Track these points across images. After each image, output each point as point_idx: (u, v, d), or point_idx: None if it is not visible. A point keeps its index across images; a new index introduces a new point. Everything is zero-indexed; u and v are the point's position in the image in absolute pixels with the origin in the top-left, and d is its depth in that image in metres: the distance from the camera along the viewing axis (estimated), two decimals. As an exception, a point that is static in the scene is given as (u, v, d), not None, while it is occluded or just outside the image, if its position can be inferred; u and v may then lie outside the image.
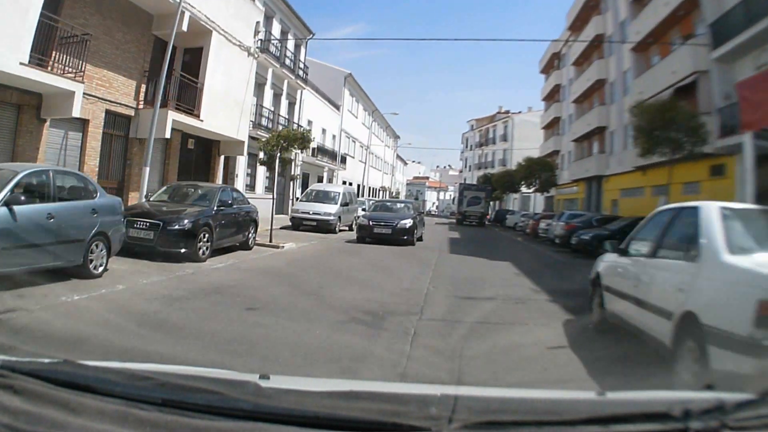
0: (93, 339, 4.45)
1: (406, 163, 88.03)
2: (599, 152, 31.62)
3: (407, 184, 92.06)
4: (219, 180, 20.44)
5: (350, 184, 39.19)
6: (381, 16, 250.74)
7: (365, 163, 44.04)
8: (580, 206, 34.92)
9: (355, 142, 41.21)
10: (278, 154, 13.42)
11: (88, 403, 1.08)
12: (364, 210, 19.65)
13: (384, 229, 15.74)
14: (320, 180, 31.09)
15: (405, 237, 15.84)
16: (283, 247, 13.14)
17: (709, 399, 1.10)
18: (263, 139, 13.77)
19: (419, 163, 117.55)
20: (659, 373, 4.10)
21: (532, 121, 56.62)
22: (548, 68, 46.20)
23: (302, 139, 13.56)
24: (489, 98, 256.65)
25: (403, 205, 18.97)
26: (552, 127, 44.67)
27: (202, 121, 17.50)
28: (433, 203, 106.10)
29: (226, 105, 19.01)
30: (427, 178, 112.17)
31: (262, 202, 24.59)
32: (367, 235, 16.09)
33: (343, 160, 35.80)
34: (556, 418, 1.06)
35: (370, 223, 16.14)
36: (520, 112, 61.86)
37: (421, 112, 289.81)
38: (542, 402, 1.28)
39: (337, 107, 35.60)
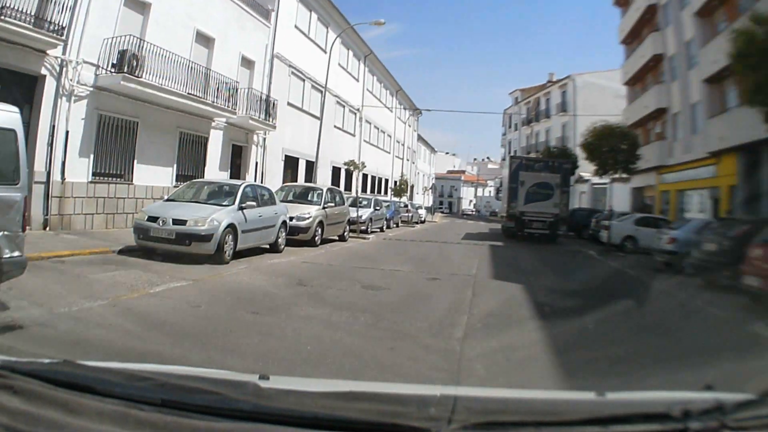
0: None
1: (434, 151, 71.43)
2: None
3: (436, 178, 75.35)
4: None
5: (296, 159, 23.35)
6: (415, 16, 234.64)
7: (356, 133, 28.34)
8: (725, 201, 18.64)
9: (322, 92, 23.50)
10: None
11: (87, 403, 1.07)
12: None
13: None
14: (201, 145, 15.64)
15: None
16: None
17: (708, 399, 1.07)
18: None
19: (454, 155, 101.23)
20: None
21: (600, 84, 39.92)
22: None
23: None
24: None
25: None
26: (643, 77, 28.31)
27: None
28: (471, 201, 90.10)
29: None
30: (463, 172, 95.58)
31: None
32: None
33: (273, 109, 19.63)
34: (555, 418, 1.04)
35: None
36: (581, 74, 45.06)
37: (456, 109, 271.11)
38: (542, 402, 1.28)
39: (266, 15, 20.19)
